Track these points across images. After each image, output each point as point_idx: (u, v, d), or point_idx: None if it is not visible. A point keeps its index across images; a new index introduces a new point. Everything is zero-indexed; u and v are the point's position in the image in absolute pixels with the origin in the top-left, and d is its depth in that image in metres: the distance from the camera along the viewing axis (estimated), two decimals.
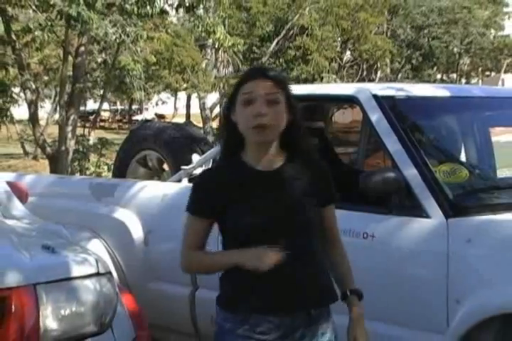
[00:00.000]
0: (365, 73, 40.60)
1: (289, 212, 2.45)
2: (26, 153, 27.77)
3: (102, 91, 20.86)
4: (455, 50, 50.17)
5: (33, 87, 14.72)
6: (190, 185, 4.61)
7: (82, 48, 14.27)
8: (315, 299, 2.47)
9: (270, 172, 2.48)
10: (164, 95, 42.52)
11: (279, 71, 2.75)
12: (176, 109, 48.16)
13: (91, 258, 3.12)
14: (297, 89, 4.40)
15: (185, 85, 31.28)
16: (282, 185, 2.48)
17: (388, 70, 42.34)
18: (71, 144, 14.83)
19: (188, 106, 43.40)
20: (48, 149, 14.88)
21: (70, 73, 14.72)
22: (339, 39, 36.02)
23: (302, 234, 2.47)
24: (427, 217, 3.32)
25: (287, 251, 2.37)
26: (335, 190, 2.59)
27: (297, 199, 2.48)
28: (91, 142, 20.65)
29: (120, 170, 6.09)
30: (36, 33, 13.97)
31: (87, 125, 28.23)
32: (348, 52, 39.42)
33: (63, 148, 14.48)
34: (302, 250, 2.45)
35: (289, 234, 2.44)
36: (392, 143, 3.52)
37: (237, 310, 2.46)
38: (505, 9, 62.14)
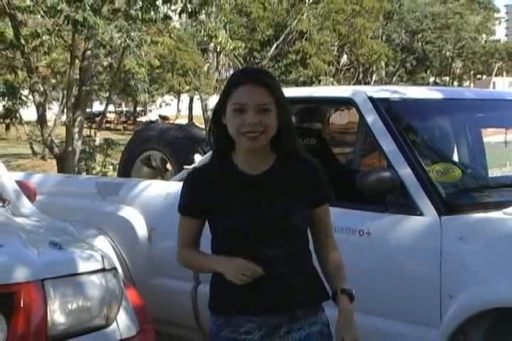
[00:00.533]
0: (361, 76, 40.70)
1: (273, 214, 2.38)
2: (35, 153, 27.75)
3: (107, 94, 20.87)
4: (448, 54, 50.26)
5: (41, 89, 14.72)
6: None
7: (89, 52, 14.27)
8: (299, 300, 2.41)
9: (258, 176, 2.42)
10: (168, 97, 42.56)
11: (267, 72, 2.60)
12: (178, 110, 48.18)
13: (97, 255, 3.12)
14: (296, 92, 4.44)
15: (187, 88, 31.33)
16: (268, 189, 2.42)
17: (383, 73, 42.37)
18: (78, 145, 14.84)
19: (190, 108, 43.44)
20: (56, 149, 14.89)
21: (77, 76, 14.71)
22: (336, 43, 36.03)
23: (287, 236, 2.40)
24: (421, 214, 3.32)
25: (270, 254, 2.34)
26: (329, 189, 2.51)
27: (284, 202, 2.40)
28: (97, 142, 20.64)
29: (125, 170, 6.08)
30: (44, 37, 14.00)
31: (94, 126, 28.23)
32: (345, 56, 39.47)
33: (70, 148, 14.49)
34: (287, 252, 2.39)
35: (273, 237, 2.37)
36: (387, 144, 3.52)
37: (220, 313, 2.44)
38: (496, 15, 62.38)
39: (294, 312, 2.39)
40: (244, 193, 2.40)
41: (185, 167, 4.97)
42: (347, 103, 4.09)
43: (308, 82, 31.96)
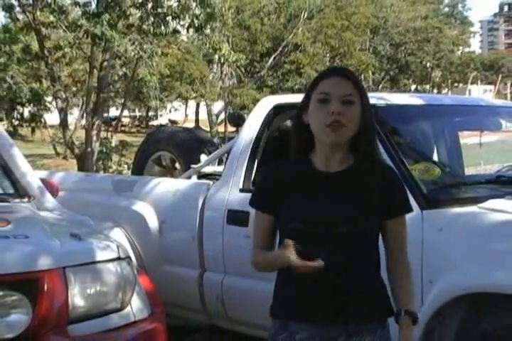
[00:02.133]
0: None
1: (338, 215, 2.09)
2: (57, 154, 27.71)
3: (122, 100, 20.81)
4: (428, 64, 50.36)
5: (63, 96, 14.73)
6: (199, 180, 4.67)
7: (106, 63, 14.27)
8: (355, 313, 2.10)
9: (331, 174, 2.15)
10: (176, 103, 42.47)
11: (352, 71, 2.43)
12: (186, 115, 48.11)
13: (113, 245, 3.13)
14: (292, 98, 4.43)
15: (194, 95, 31.27)
16: (339, 188, 2.14)
17: (371, 81, 42.29)
18: (96, 146, 14.84)
19: (197, 113, 43.37)
20: (76, 150, 14.90)
21: (95, 84, 14.72)
22: (328, 55, 36.02)
23: (349, 243, 2.08)
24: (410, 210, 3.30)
25: (331, 260, 2.02)
26: (407, 200, 2.23)
27: (351, 207, 2.11)
28: (113, 144, 20.58)
29: (138, 169, 6.08)
30: (66, 49, 14.00)
31: (110, 129, 28.17)
32: None
33: (89, 149, 14.49)
34: (347, 260, 2.08)
35: (334, 241, 2.07)
36: None
37: (277, 317, 2.20)
38: (471, 29, 62.59)
39: (347, 325, 2.10)
40: (311, 191, 2.15)
41: (192, 166, 4.97)
42: None
43: (303, 90, 31.91)
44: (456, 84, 62.29)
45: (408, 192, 3.28)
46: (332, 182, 2.14)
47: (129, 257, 3.17)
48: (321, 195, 2.14)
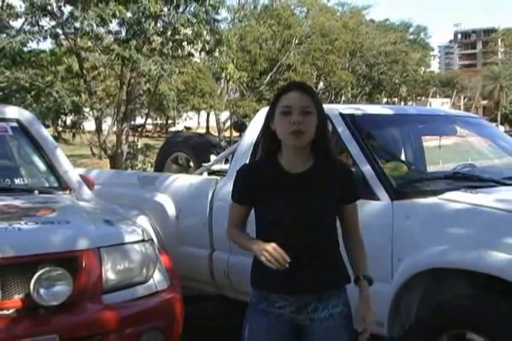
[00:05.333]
0: (333, 97, 40.64)
1: (307, 209, 2.12)
2: (93, 154, 27.61)
3: (146, 110, 20.84)
4: (396, 81, 50.30)
5: (98, 107, 14.73)
6: (209, 176, 4.65)
7: (133, 80, 14.24)
8: (324, 284, 2.16)
9: (298, 175, 2.16)
10: (190, 113, 42.42)
11: (309, 85, 2.35)
12: (198, 123, 48.03)
13: (138, 229, 3.12)
14: None
15: (205, 106, 31.23)
16: (306, 186, 2.15)
17: (349, 95, 42.31)
18: (125, 148, 14.84)
19: (207, 121, 43.40)
20: (109, 151, 14.88)
21: (124, 97, 14.71)
22: (315, 73, 35.99)
23: (317, 228, 2.14)
24: (378, 199, 3.29)
25: (301, 243, 2.09)
26: (358, 189, 2.25)
27: (318, 199, 2.14)
28: (139, 146, 20.59)
29: (159, 166, 6.06)
30: (101, 69, 14.02)
31: (136, 134, 28.18)
32: (322, 83, 39.40)
33: (119, 150, 14.49)
34: (316, 242, 2.13)
35: (305, 228, 2.11)
36: (353, 147, 3.49)
37: (260, 289, 2.20)
38: (431, 52, 62.63)
39: (319, 293, 2.15)
40: (284, 189, 2.15)
41: (203, 164, 4.96)
42: None
43: None
44: (419, 98, 62.28)
45: (381, 185, 3.31)
46: (298, 181, 2.16)
47: (151, 239, 3.16)
48: (290, 192, 2.14)
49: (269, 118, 2.18)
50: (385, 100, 51.63)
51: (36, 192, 3.57)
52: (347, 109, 3.88)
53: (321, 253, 2.16)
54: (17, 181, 3.70)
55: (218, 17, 13.44)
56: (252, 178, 2.20)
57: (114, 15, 12.17)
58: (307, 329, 2.18)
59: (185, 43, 13.43)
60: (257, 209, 2.21)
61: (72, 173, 3.91)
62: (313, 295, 2.16)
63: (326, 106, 3.98)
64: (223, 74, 19.85)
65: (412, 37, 56.30)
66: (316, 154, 2.19)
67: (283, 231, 2.11)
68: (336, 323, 2.16)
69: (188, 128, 42.04)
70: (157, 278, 3.06)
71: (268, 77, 31.76)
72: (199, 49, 13.70)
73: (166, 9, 12.53)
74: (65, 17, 12.67)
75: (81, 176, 3.97)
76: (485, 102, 72.96)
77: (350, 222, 2.26)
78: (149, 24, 12.49)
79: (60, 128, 23.62)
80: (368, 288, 2.19)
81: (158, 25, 12.91)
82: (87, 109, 17.94)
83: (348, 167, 2.29)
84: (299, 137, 2.10)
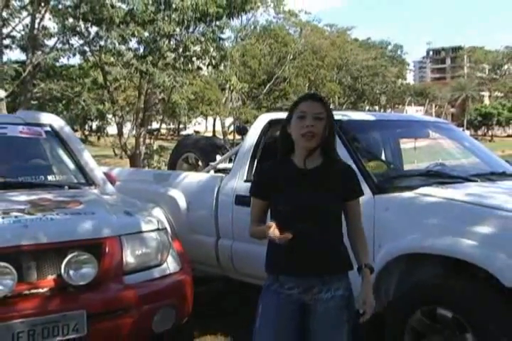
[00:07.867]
0: None
1: (315, 202, 2.11)
2: (115, 155, 27.65)
3: (161, 117, 20.83)
4: (377, 91, 50.31)
5: (120, 114, 14.79)
6: (215, 174, 4.64)
7: (149, 90, 14.27)
8: (328, 267, 2.14)
9: (308, 171, 2.16)
10: (199, 119, 42.44)
11: (322, 96, 2.39)
12: (206, 127, 48.07)
13: (154, 219, 3.12)
14: (282, 115, 4.39)
15: (212, 113, 31.23)
16: (314, 182, 2.14)
17: (337, 103, 42.27)
18: (142, 149, 14.86)
19: (214, 126, 43.34)
20: (129, 152, 14.92)
21: (142, 106, 14.71)
22: (307, 85, 35.95)
23: (323, 218, 2.12)
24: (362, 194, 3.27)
25: (308, 231, 2.06)
26: (360, 187, 2.23)
27: (324, 193, 2.13)
28: (154, 148, 20.59)
29: (172, 165, 6.04)
30: (122, 81, 14.00)
31: (152, 137, 28.17)
32: None
33: (138, 151, 14.52)
34: (321, 230, 2.11)
35: (313, 218, 2.10)
36: (340, 148, 3.45)
37: (271, 272, 2.21)
38: (407, 67, 62.66)
39: (323, 276, 2.14)
40: (296, 181, 2.14)
41: (210, 163, 4.94)
42: None
43: (288, 109, 31.75)
44: (396, 106, 62.26)
45: (364, 181, 3.30)
46: (309, 176, 2.16)
47: (165, 228, 3.16)
48: (301, 186, 2.15)
49: (287, 123, 2.20)
50: (367, 108, 51.60)
51: (66, 187, 3.56)
52: (335, 115, 3.85)
53: (326, 241, 2.13)
54: (50, 178, 3.69)
55: (223, 36, 13.56)
56: (270, 174, 2.21)
57: (133, 35, 12.22)
58: (311, 309, 2.16)
59: (194, 59, 13.44)
60: (271, 203, 2.20)
61: (97, 171, 3.89)
62: (318, 278, 2.15)
63: None
64: (227, 85, 19.87)
65: (390, 53, 56.21)
66: (324, 155, 2.20)
67: (293, 220, 2.09)
68: (336, 304, 2.15)
69: (197, 132, 42.03)
70: (170, 262, 3.05)
71: (266, 88, 31.73)
72: (206, 63, 13.71)
73: (178, 29, 12.54)
74: (91, 36, 12.75)
75: (105, 174, 3.96)
76: (453, 110, 73.10)
77: (354, 216, 2.23)
78: (164, 42, 12.50)
79: (86, 132, 23.62)
80: (370, 276, 2.16)
81: (172, 43, 12.92)
82: (110, 116, 17.99)
83: (352, 168, 2.27)
84: (310, 140, 2.12)
